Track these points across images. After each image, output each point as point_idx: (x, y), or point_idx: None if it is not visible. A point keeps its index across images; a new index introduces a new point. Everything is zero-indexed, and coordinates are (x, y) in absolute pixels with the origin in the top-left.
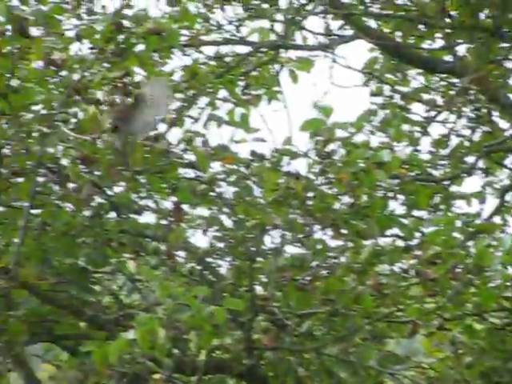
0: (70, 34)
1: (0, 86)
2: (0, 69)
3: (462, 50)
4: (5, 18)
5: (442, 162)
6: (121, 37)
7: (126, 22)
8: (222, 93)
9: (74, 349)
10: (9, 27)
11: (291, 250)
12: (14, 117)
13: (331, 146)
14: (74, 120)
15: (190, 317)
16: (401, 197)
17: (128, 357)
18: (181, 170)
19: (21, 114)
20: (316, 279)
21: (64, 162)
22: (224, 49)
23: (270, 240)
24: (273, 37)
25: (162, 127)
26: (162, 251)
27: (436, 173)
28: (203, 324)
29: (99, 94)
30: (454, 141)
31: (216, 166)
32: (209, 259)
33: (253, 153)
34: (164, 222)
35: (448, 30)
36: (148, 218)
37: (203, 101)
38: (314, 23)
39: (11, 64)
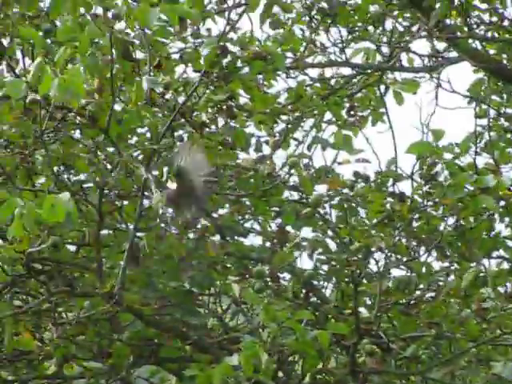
0: (175, 56)
1: (102, 121)
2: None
3: None
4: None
5: None
6: (225, 61)
7: (230, 46)
8: (327, 115)
9: (179, 372)
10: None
11: (396, 272)
12: (118, 141)
13: (436, 168)
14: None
15: (294, 341)
16: (506, 219)
17: (232, 381)
18: (286, 192)
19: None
20: (421, 303)
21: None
22: (329, 71)
23: (375, 263)
24: (378, 58)
25: (266, 149)
26: (266, 274)
27: None
28: (307, 348)
29: (204, 117)
30: None
31: (320, 188)
32: (314, 282)
33: (356, 174)
34: (268, 244)
35: None
36: (253, 240)
37: (308, 123)
38: (420, 45)
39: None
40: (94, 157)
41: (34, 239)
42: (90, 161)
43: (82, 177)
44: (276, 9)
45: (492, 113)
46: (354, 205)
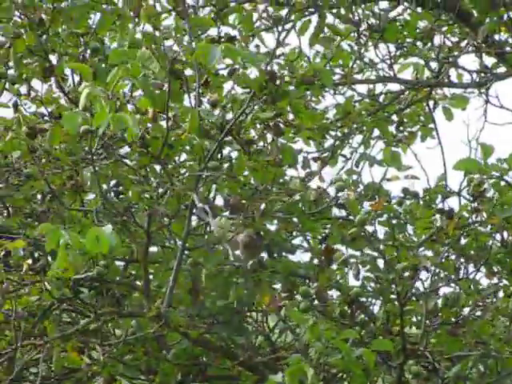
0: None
1: (154, 149)
2: (156, 132)
3: None
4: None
5: None
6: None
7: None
8: (375, 131)
9: None
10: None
11: (444, 290)
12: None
13: (485, 185)
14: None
15: (340, 360)
16: None
17: None
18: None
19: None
20: (468, 322)
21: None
22: (377, 87)
23: (422, 281)
24: (427, 74)
25: (314, 166)
26: (311, 293)
27: None
28: (353, 367)
29: (251, 134)
30: None
31: (368, 206)
32: (360, 300)
33: (405, 190)
34: (316, 261)
35: None
36: (300, 257)
37: (356, 139)
38: (468, 60)
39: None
40: (145, 183)
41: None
42: (141, 186)
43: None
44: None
45: None
46: (402, 221)
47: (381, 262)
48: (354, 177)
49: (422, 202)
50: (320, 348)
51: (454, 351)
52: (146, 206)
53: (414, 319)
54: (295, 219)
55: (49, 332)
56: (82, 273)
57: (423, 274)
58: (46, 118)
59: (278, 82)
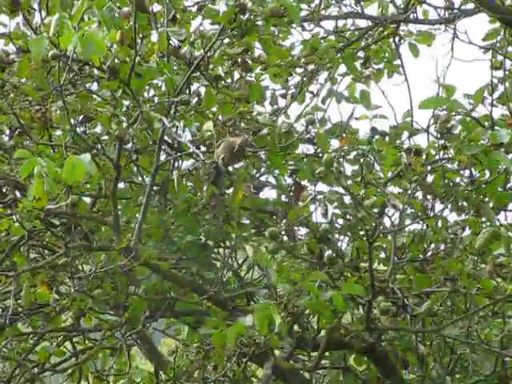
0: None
1: (123, 74)
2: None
3: None
4: None
5: None
6: (243, 17)
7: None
8: (342, 68)
9: (195, 325)
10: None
11: (412, 227)
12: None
13: (452, 122)
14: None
15: (309, 302)
16: None
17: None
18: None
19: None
20: (436, 258)
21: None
22: (343, 23)
23: (390, 218)
24: (393, 10)
25: (282, 102)
26: (279, 235)
27: None
28: (322, 309)
29: (219, 70)
30: None
31: (336, 143)
32: (329, 236)
33: (374, 130)
34: (284, 198)
35: None
36: (268, 193)
37: (323, 76)
38: None
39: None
40: (114, 109)
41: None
42: (111, 114)
43: (98, 130)
44: None
45: (508, 64)
46: (369, 159)
47: (348, 200)
48: (321, 114)
49: (388, 139)
50: (288, 290)
51: (422, 288)
52: (115, 130)
53: (382, 255)
54: (263, 156)
55: (18, 266)
56: (54, 203)
57: (391, 212)
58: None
59: (247, 15)
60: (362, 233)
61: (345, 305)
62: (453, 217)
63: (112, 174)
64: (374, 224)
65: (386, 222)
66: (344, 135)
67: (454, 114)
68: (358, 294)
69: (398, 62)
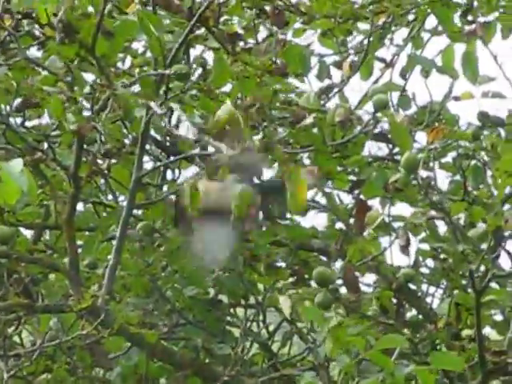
0: None
1: (84, 33)
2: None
3: None
4: None
5: None
6: None
7: None
8: (431, 20)
9: None
10: None
11: None
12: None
13: None
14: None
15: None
16: None
17: None
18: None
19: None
20: None
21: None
22: None
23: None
24: None
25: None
26: (334, 278)
27: None
28: None
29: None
30: None
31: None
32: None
33: (483, 115)
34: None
35: None
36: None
37: (401, 33)
38: None
39: None
40: (70, 90)
41: None
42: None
43: (45, 122)
44: None
45: None
46: (477, 164)
47: (443, 227)
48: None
49: (505, 133)
50: (348, 365)
51: None
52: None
53: (499, 317)
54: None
55: None
56: None
57: (510, 245)
58: None
59: None
60: (463, 282)
61: None
62: None
63: (67, 190)
64: (483, 265)
65: (504, 262)
66: (436, 125)
67: None
68: (456, 370)
69: None
